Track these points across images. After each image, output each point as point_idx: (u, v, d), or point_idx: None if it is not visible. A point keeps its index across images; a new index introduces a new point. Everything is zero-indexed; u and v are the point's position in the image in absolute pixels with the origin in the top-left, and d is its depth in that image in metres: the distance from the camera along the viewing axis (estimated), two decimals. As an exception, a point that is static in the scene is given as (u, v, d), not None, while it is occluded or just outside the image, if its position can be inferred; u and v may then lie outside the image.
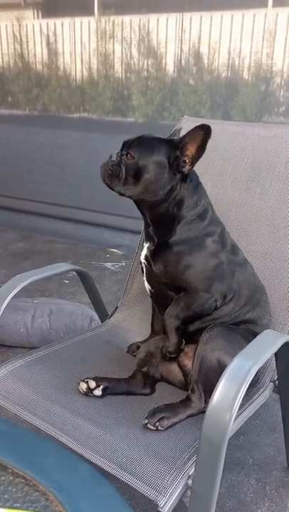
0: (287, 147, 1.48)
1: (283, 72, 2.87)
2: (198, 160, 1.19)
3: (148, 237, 1.31)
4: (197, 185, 1.27)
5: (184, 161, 1.20)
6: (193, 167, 1.21)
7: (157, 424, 1.12)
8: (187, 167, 1.20)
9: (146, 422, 1.12)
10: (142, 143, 1.22)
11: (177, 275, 1.24)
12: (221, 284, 1.24)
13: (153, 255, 1.29)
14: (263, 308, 1.34)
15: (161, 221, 1.26)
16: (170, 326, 1.28)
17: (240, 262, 1.32)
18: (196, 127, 1.16)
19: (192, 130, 1.17)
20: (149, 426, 1.12)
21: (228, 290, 1.26)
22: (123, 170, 1.20)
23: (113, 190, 1.24)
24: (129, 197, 1.24)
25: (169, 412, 1.16)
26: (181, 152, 1.19)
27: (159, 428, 1.12)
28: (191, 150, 1.18)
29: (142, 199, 1.23)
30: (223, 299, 1.26)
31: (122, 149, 1.24)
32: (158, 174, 1.20)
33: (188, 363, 1.31)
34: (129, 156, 1.20)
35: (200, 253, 1.24)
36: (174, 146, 1.20)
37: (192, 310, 1.25)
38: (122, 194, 1.24)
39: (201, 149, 1.17)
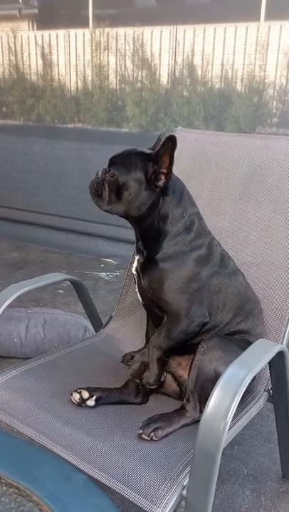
0: (280, 158, 1.49)
1: (276, 83, 2.91)
2: (171, 172, 1.19)
3: (138, 251, 1.32)
4: (181, 197, 1.26)
5: (163, 174, 1.20)
6: (168, 180, 1.21)
7: (152, 434, 1.11)
8: (163, 181, 1.20)
9: (140, 432, 1.12)
10: (123, 160, 1.23)
11: (159, 294, 1.25)
12: (200, 308, 1.24)
13: (142, 269, 1.29)
14: (256, 318, 1.34)
15: (149, 235, 1.26)
16: (152, 356, 1.28)
17: (230, 273, 1.31)
18: (166, 139, 1.16)
19: (164, 143, 1.17)
20: (143, 436, 1.11)
21: (208, 313, 1.26)
22: (106, 188, 1.23)
23: (100, 208, 1.27)
24: (116, 214, 1.26)
25: (164, 422, 1.16)
26: (158, 166, 1.19)
27: (154, 438, 1.11)
28: (166, 162, 1.18)
29: (128, 215, 1.25)
30: (203, 324, 1.26)
31: (108, 163, 1.26)
32: (137, 191, 1.21)
33: (182, 373, 1.31)
34: (110, 173, 1.22)
35: (182, 273, 1.23)
36: (151, 160, 1.20)
37: (173, 339, 1.25)
38: (108, 211, 1.26)
39: (171, 161, 1.17)
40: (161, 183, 1.20)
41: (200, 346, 1.21)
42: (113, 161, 1.24)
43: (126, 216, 1.26)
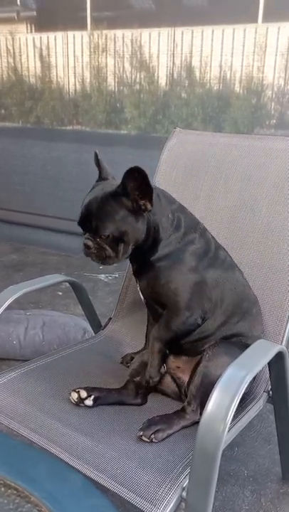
0: (279, 159, 1.49)
1: (274, 85, 2.91)
2: (152, 195, 1.17)
3: (132, 260, 1.32)
4: (160, 200, 1.25)
5: (141, 200, 1.17)
6: (152, 203, 1.18)
7: (152, 436, 1.11)
8: (148, 205, 1.18)
9: (140, 434, 1.12)
10: (100, 216, 1.18)
11: (158, 290, 1.25)
12: (199, 301, 1.24)
13: (136, 273, 1.30)
14: (254, 319, 1.33)
15: (145, 249, 1.25)
16: (153, 348, 1.29)
17: (226, 268, 1.31)
18: (128, 172, 1.13)
19: (127, 176, 1.14)
20: (144, 438, 1.11)
21: (209, 303, 1.25)
22: (107, 247, 1.20)
23: (114, 264, 1.24)
24: (126, 257, 1.24)
25: (164, 423, 1.15)
26: (133, 196, 1.17)
27: (154, 440, 1.11)
28: (137, 189, 1.16)
29: (134, 248, 1.23)
30: (203, 317, 1.25)
31: (83, 229, 1.22)
32: (132, 227, 1.19)
33: (181, 375, 1.30)
34: (102, 237, 1.19)
35: (179, 268, 1.23)
36: (123, 195, 1.17)
37: (173, 330, 1.25)
38: (122, 260, 1.24)
39: (146, 187, 1.15)
40: (148, 206, 1.18)
41: (205, 353, 1.21)
42: (91, 226, 1.19)
43: (132, 252, 1.24)
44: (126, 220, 1.18)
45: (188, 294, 1.23)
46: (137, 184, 1.15)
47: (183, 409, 1.21)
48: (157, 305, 1.29)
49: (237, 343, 1.26)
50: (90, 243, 1.20)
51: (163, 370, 1.32)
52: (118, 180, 1.22)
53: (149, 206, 1.19)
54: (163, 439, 1.13)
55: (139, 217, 1.20)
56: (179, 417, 1.19)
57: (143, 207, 1.18)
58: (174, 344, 1.29)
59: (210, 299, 1.26)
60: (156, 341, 1.28)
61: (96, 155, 1.32)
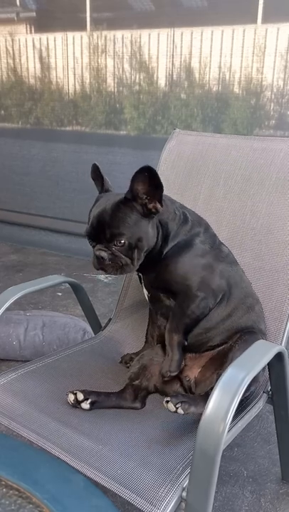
0: (278, 160, 1.50)
1: (273, 86, 2.92)
2: (161, 195, 1.18)
3: None
4: (164, 201, 1.24)
5: (150, 203, 1.18)
6: (162, 204, 1.19)
7: (179, 405, 1.10)
8: (158, 206, 1.19)
9: (168, 399, 1.10)
10: (113, 223, 1.17)
11: (168, 278, 1.25)
12: (210, 282, 1.25)
13: (142, 270, 1.30)
14: (257, 316, 1.33)
15: (154, 250, 1.25)
16: (172, 341, 1.25)
17: (230, 262, 1.33)
18: (137, 173, 1.14)
19: (135, 177, 1.15)
20: (169, 405, 1.10)
21: (218, 288, 1.26)
22: (122, 255, 1.19)
23: (129, 272, 1.24)
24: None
25: (191, 400, 1.14)
26: (141, 199, 1.18)
27: (179, 411, 1.09)
28: (145, 192, 1.16)
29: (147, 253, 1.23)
30: (215, 299, 1.26)
31: (94, 240, 1.21)
32: (145, 232, 1.20)
33: (188, 373, 1.30)
34: (119, 244, 1.17)
35: (188, 253, 1.25)
36: (132, 199, 1.18)
37: (188, 316, 1.24)
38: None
39: (156, 186, 1.16)
40: (158, 208, 1.19)
41: (234, 343, 1.22)
42: (105, 235, 1.18)
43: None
44: (139, 225, 1.19)
45: (198, 277, 1.24)
46: (145, 186, 1.15)
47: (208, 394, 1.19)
48: (167, 294, 1.28)
49: (257, 334, 1.27)
50: (103, 254, 1.18)
51: (182, 363, 1.29)
52: (118, 191, 1.23)
53: (159, 207, 1.19)
54: (187, 412, 1.11)
55: (150, 221, 1.21)
56: (205, 401, 1.17)
57: (153, 209, 1.19)
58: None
59: (219, 285, 1.26)
60: (173, 333, 1.25)
61: (97, 167, 1.30)
